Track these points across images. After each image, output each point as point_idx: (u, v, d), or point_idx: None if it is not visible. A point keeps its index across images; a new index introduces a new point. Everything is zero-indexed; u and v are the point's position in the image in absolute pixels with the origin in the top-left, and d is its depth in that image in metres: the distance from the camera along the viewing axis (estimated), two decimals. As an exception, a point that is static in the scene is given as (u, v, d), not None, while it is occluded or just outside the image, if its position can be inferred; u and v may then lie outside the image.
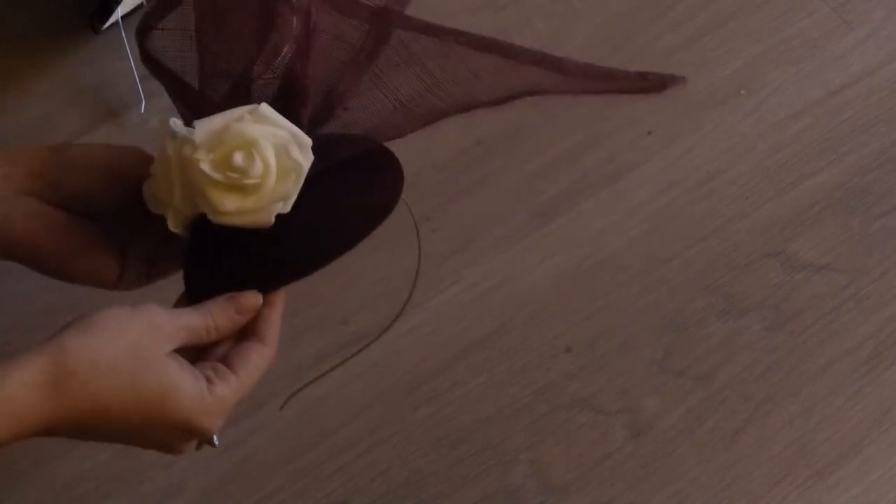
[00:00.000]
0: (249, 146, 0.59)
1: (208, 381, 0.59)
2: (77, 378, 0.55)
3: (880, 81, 1.13)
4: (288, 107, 0.62)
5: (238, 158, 0.59)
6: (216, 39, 0.62)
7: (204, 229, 0.62)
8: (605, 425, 0.95)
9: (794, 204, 1.06)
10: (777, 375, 0.97)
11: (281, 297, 0.63)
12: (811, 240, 1.04)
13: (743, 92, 1.12)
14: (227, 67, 0.62)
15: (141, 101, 1.06)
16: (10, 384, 0.53)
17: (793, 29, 1.16)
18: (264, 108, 0.60)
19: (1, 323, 0.95)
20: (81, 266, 0.65)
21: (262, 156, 0.59)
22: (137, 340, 0.57)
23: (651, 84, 0.62)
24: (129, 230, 0.67)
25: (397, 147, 0.66)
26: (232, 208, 0.59)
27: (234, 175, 0.59)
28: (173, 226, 0.62)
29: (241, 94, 0.62)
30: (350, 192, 0.64)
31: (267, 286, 0.62)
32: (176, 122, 0.62)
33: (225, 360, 0.61)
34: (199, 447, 0.63)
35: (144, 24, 0.63)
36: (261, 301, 0.62)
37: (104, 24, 1.08)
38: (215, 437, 0.62)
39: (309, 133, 0.61)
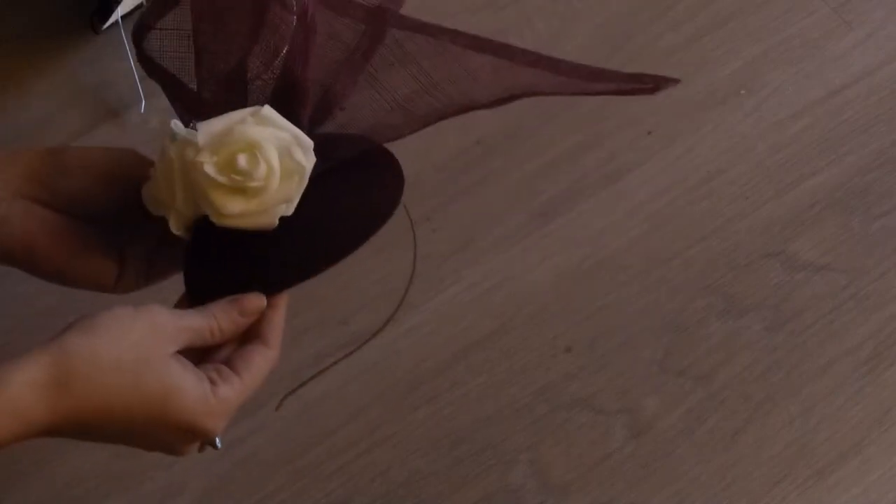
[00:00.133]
0: (253, 148, 0.59)
1: (212, 382, 0.59)
2: (79, 378, 0.54)
3: (880, 81, 1.13)
4: (288, 108, 0.62)
5: (242, 161, 0.59)
6: (214, 39, 0.62)
7: (206, 231, 0.61)
8: (605, 425, 0.95)
9: (794, 204, 1.06)
10: (777, 375, 0.97)
11: (284, 300, 0.63)
12: (811, 240, 1.04)
13: (743, 92, 1.12)
14: (224, 68, 0.62)
15: (141, 102, 1.06)
16: (12, 384, 0.53)
17: (793, 29, 1.16)
18: (266, 110, 0.60)
19: (1, 324, 0.95)
20: (80, 269, 0.65)
21: (266, 158, 0.59)
22: (140, 341, 0.57)
23: (645, 86, 0.62)
24: (128, 232, 0.67)
25: (397, 147, 0.65)
26: (236, 211, 0.59)
27: (238, 177, 0.59)
28: (175, 228, 0.62)
29: (238, 95, 0.62)
30: (351, 193, 0.64)
31: (270, 289, 0.62)
32: (177, 124, 0.62)
33: (228, 363, 0.61)
34: (201, 449, 0.63)
35: (141, 23, 0.63)
36: (265, 303, 0.62)
37: (104, 24, 1.08)
38: (218, 440, 0.62)
39: (309, 134, 0.61)
